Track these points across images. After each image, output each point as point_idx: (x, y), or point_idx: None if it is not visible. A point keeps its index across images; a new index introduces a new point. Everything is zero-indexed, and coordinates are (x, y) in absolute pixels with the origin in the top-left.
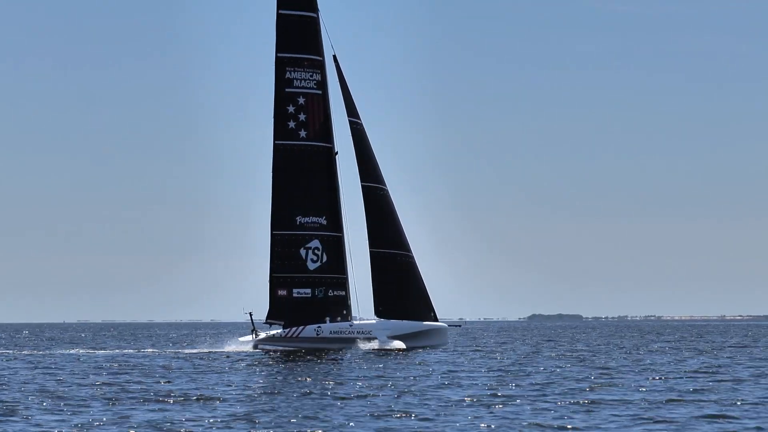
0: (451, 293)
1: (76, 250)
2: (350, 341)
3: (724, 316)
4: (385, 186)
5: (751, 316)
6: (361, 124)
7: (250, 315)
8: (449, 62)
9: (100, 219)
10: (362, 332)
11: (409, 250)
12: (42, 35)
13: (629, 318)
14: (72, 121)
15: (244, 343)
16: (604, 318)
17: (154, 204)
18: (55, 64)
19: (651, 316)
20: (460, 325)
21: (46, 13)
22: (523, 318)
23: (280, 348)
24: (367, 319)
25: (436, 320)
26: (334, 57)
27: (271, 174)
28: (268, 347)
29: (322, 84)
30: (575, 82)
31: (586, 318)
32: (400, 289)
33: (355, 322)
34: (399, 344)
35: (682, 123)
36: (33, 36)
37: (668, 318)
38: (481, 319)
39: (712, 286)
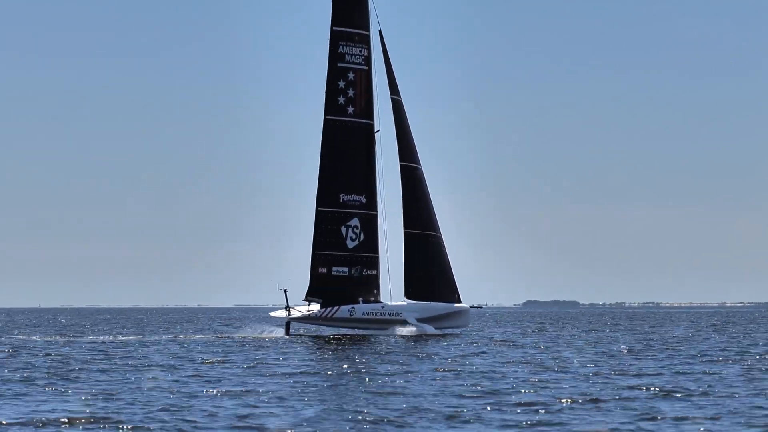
0: None
1: (83, 237)
2: (382, 323)
3: (725, 303)
4: (420, 165)
5: (752, 303)
6: (402, 102)
7: (285, 292)
8: (485, 47)
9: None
10: (393, 314)
11: (438, 230)
12: (90, 17)
13: (627, 305)
14: (113, 95)
15: (276, 319)
16: (601, 305)
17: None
18: (101, 39)
19: (650, 302)
20: (480, 307)
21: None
22: (519, 304)
23: (314, 327)
24: (396, 302)
25: (460, 302)
26: (380, 32)
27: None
28: (301, 325)
29: (368, 59)
30: (575, 77)
31: (583, 305)
32: (430, 270)
33: (386, 303)
34: (431, 330)
35: (680, 112)
36: (83, 20)
37: (667, 305)
38: (476, 305)
39: (711, 272)
